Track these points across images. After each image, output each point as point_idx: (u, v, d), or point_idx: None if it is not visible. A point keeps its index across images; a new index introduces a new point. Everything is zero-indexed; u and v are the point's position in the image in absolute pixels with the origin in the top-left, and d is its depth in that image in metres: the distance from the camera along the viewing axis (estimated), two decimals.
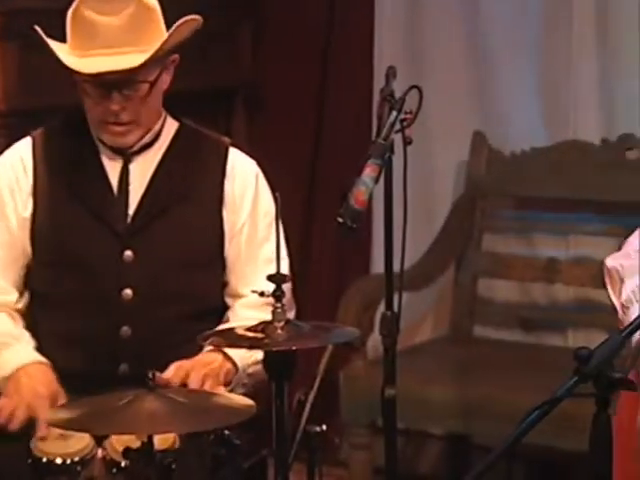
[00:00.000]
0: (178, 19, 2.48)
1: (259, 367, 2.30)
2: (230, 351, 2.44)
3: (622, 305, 2.10)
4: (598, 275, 3.63)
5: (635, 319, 1.66)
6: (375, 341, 3.32)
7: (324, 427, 2.25)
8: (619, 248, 2.21)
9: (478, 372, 3.62)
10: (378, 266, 3.88)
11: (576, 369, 1.61)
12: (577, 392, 1.60)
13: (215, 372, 2.40)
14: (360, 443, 3.56)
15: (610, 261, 2.18)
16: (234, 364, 2.44)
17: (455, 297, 4.00)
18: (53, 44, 2.44)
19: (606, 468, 1.59)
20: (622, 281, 2.12)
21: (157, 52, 2.41)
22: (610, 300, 2.17)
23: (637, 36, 3.70)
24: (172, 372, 2.34)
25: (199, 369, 2.37)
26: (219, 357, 2.44)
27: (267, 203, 2.58)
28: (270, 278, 2.13)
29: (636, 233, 2.19)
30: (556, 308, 3.90)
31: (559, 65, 3.81)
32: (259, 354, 2.26)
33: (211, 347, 2.43)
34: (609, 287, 2.16)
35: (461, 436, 3.85)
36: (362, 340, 3.54)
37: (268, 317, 2.12)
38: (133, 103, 2.44)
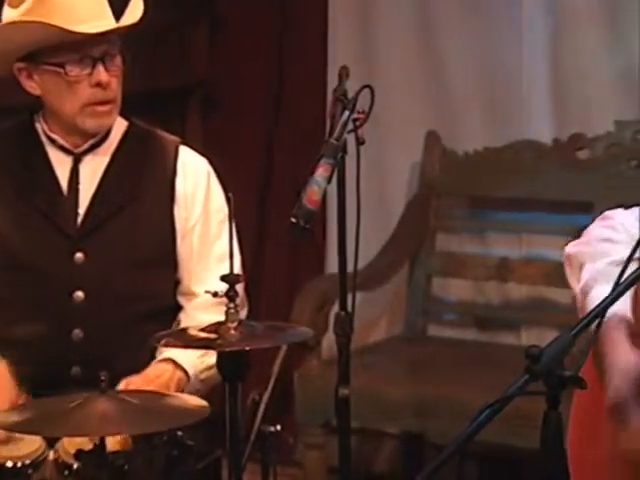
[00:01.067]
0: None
1: (212, 372, 2.30)
2: (181, 359, 2.44)
3: (583, 288, 2.08)
4: (550, 273, 3.70)
5: (583, 317, 1.67)
6: (330, 341, 3.33)
7: (278, 427, 2.25)
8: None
9: (432, 371, 3.63)
10: (332, 266, 3.89)
11: (527, 367, 1.61)
12: (528, 390, 1.60)
13: (165, 385, 2.39)
14: (314, 443, 3.57)
15: (570, 248, 2.17)
16: (185, 372, 2.44)
17: (409, 296, 4.02)
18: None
19: (557, 465, 1.60)
20: (581, 266, 2.11)
21: (138, 22, 2.42)
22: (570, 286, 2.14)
23: (589, 36, 3.73)
24: (121, 389, 2.33)
25: (148, 385, 2.36)
26: (169, 367, 2.44)
27: (219, 201, 2.58)
28: (223, 278, 2.13)
29: (595, 223, 2.19)
30: (509, 307, 3.92)
31: (511, 65, 3.84)
32: (211, 359, 2.25)
33: (162, 357, 2.43)
34: (569, 273, 2.14)
35: (416, 434, 3.86)
36: (317, 340, 3.54)
37: (221, 319, 2.12)
38: (115, 79, 2.45)
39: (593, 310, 1.68)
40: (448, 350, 3.84)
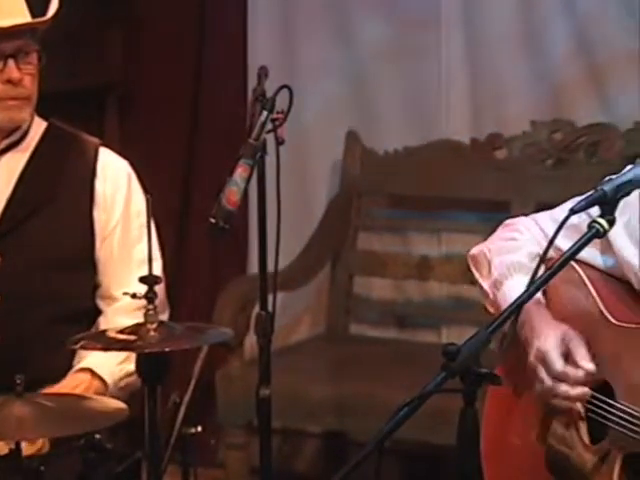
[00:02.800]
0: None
1: (132, 379, 2.29)
2: (99, 369, 2.42)
3: (494, 283, 2.12)
4: (469, 272, 3.73)
5: (498, 316, 1.69)
6: (252, 341, 3.33)
7: (199, 428, 2.24)
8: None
9: (354, 370, 3.65)
10: (255, 266, 3.87)
11: (444, 365, 1.63)
12: (445, 388, 1.62)
13: None
14: (236, 443, 3.56)
15: (474, 249, 2.21)
16: (103, 382, 2.42)
17: (331, 296, 4.03)
18: None
19: (473, 461, 1.62)
20: (490, 262, 2.14)
21: (53, 16, 2.40)
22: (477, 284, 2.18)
23: (505, 36, 3.78)
24: None
25: None
26: (86, 377, 2.42)
27: (140, 203, 2.56)
28: (142, 280, 2.12)
29: (498, 230, 2.24)
30: (429, 305, 3.96)
31: (430, 66, 3.87)
32: (131, 366, 2.24)
33: (79, 367, 2.42)
34: (475, 272, 2.18)
35: (338, 433, 3.87)
36: (238, 340, 3.54)
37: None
38: (29, 77, 2.42)
39: (507, 309, 1.71)
40: (370, 349, 3.86)
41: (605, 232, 1.76)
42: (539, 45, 3.74)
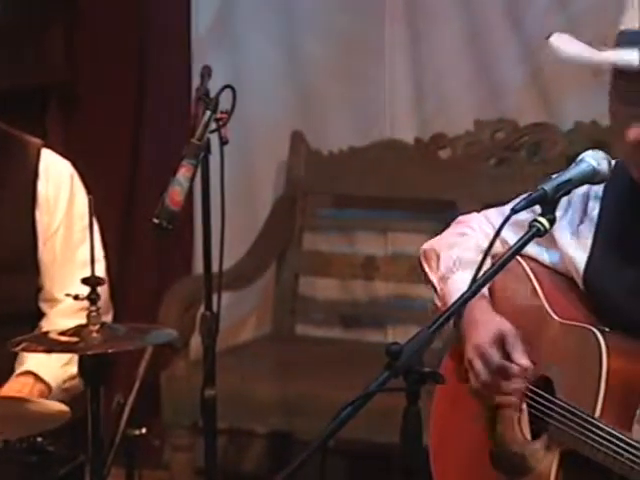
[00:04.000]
0: None
1: (75, 381, 2.27)
2: (42, 372, 2.40)
3: (441, 277, 2.13)
4: (415, 271, 3.72)
5: (440, 315, 1.70)
6: (198, 342, 3.30)
7: (144, 430, 2.23)
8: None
9: (300, 370, 3.65)
10: (200, 266, 3.85)
11: (387, 364, 1.64)
12: (387, 387, 1.63)
13: None
14: (182, 445, 3.55)
15: (425, 245, 2.23)
16: (47, 384, 2.40)
17: (277, 296, 4.03)
18: None
19: (417, 459, 1.63)
20: (439, 256, 2.16)
21: None
22: (426, 278, 2.19)
23: (449, 36, 3.80)
24: None
25: None
26: (29, 381, 2.40)
27: (83, 205, 2.54)
28: (84, 281, 2.10)
29: (450, 227, 2.26)
30: (375, 304, 3.97)
31: (373, 66, 3.88)
32: (73, 368, 2.22)
33: (22, 370, 2.39)
34: (425, 267, 2.19)
35: (284, 433, 3.87)
36: (184, 341, 3.53)
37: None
38: None
39: (451, 307, 1.72)
40: (316, 349, 3.86)
41: (546, 231, 1.78)
42: (482, 45, 3.77)
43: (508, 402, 1.99)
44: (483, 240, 2.14)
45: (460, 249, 2.14)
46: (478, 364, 1.98)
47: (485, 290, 2.07)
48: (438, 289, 2.14)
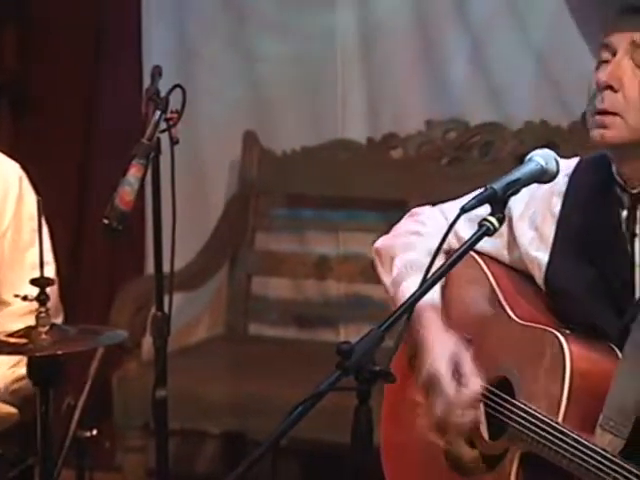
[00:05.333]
0: None
1: (24, 383, 2.24)
2: None
3: (393, 282, 2.13)
4: (368, 270, 3.76)
5: (392, 313, 1.71)
6: (150, 342, 3.30)
7: (94, 432, 2.22)
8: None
9: (253, 370, 3.64)
10: (152, 267, 3.85)
11: (338, 363, 1.64)
12: (338, 386, 1.63)
13: None
14: (133, 446, 3.53)
15: (379, 242, 2.21)
16: None
17: (229, 296, 4.02)
18: None
19: (367, 458, 1.64)
20: (392, 259, 2.16)
21: None
22: (380, 279, 2.19)
23: (401, 36, 3.81)
24: None
25: None
26: None
27: (32, 206, 2.50)
28: (33, 282, 2.08)
29: (404, 219, 2.24)
30: (328, 304, 3.97)
31: (326, 66, 3.89)
32: (22, 369, 2.20)
33: None
34: (379, 268, 2.18)
35: (237, 434, 3.87)
36: (136, 342, 3.51)
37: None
38: None
39: (402, 305, 1.72)
40: (269, 349, 3.86)
41: (495, 230, 1.78)
42: (433, 46, 3.79)
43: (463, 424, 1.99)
44: (435, 238, 2.12)
45: (413, 252, 2.12)
46: (434, 394, 1.97)
47: (437, 298, 2.07)
48: (391, 293, 2.14)
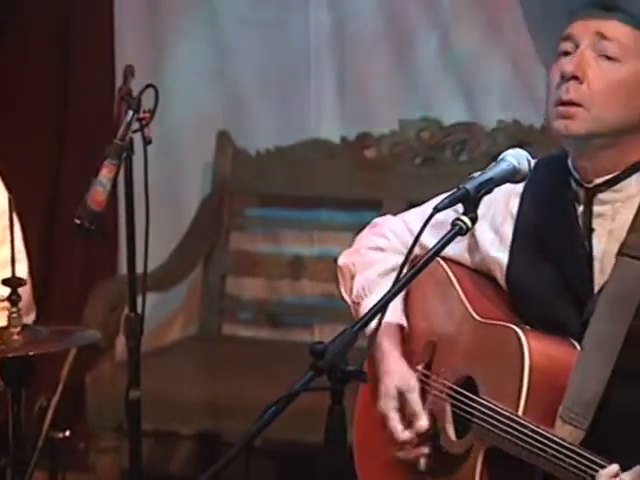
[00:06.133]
0: None
1: None
2: None
3: (353, 301, 2.17)
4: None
5: (365, 314, 1.71)
6: (124, 343, 3.29)
7: (67, 433, 2.21)
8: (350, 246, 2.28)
9: (227, 370, 3.64)
10: (126, 267, 3.84)
11: (312, 364, 1.64)
12: (312, 386, 1.63)
13: None
14: (107, 447, 3.51)
15: (342, 259, 2.24)
16: None
17: (204, 296, 4.01)
18: None
19: (341, 458, 1.64)
20: (353, 278, 2.19)
21: None
22: (342, 298, 2.23)
23: (373, 36, 3.82)
24: None
25: None
26: None
27: (3, 204, 2.50)
28: (5, 282, 2.07)
29: (366, 230, 2.26)
30: (302, 304, 3.97)
31: (299, 65, 3.89)
32: None
33: None
34: (341, 285, 2.23)
35: (211, 434, 3.86)
36: (109, 342, 3.50)
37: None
38: None
39: (375, 306, 1.72)
40: (243, 349, 3.86)
41: (468, 229, 1.79)
42: (407, 45, 3.79)
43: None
44: (395, 253, 2.16)
45: (372, 271, 2.16)
46: (385, 431, 2.03)
47: (399, 312, 2.10)
48: (353, 311, 2.17)
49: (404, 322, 2.14)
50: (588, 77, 1.90)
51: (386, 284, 1.98)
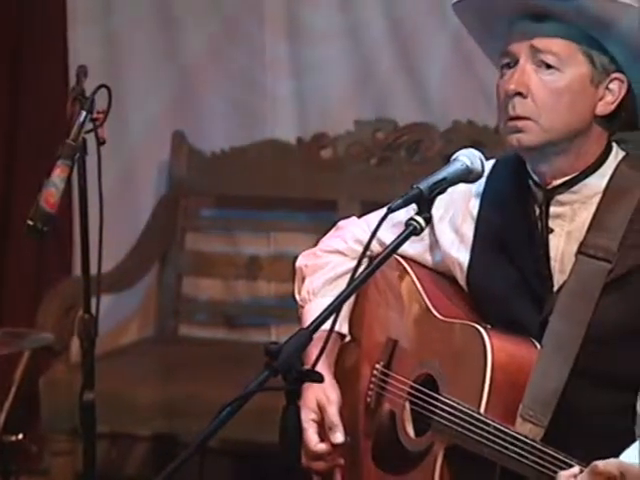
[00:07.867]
0: None
1: None
2: None
3: (300, 302, 2.19)
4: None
5: (320, 314, 1.71)
6: (78, 345, 3.27)
7: (20, 436, 2.20)
8: (316, 244, 2.29)
9: (183, 371, 3.63)
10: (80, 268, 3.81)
11: (266, 364, 1.64)
12: (267, 386, 1.63)
13: None
14: (61, 450, 3.48)
15: (298, 260, 2.26)
16: None
17: (160, 297, 4.00)
18: None
19: (294, 457, 1.64)
20: (303, 279, 2.20)
21: None
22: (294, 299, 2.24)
23: (329, 36, 3.82)
24: None
25: None
26: None
27: None
28: None
29: (330, 232, 2.27)
30: (259, 304, 3.97)
31: (255, 66, 3.88)
32: None
33: None
34: (295, 284, 2.24)
35: (167, 436, 3.84)
36: (64, 344, 3.47)
37: None
38: None
39: (330, 306, 1.73)
40: (199, 350, 3.84)
41: (422, 229, 1.79)
42: (362, 46, 3.80)
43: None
44: (347, 259, 2.17)
45: (320, 275, 2.18)
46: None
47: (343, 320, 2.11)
48: (299, 311, 2.19)
49: (343, 329, 2.15)
50: (531, 91, 1.92)
51: (333, 289, 2.01)
